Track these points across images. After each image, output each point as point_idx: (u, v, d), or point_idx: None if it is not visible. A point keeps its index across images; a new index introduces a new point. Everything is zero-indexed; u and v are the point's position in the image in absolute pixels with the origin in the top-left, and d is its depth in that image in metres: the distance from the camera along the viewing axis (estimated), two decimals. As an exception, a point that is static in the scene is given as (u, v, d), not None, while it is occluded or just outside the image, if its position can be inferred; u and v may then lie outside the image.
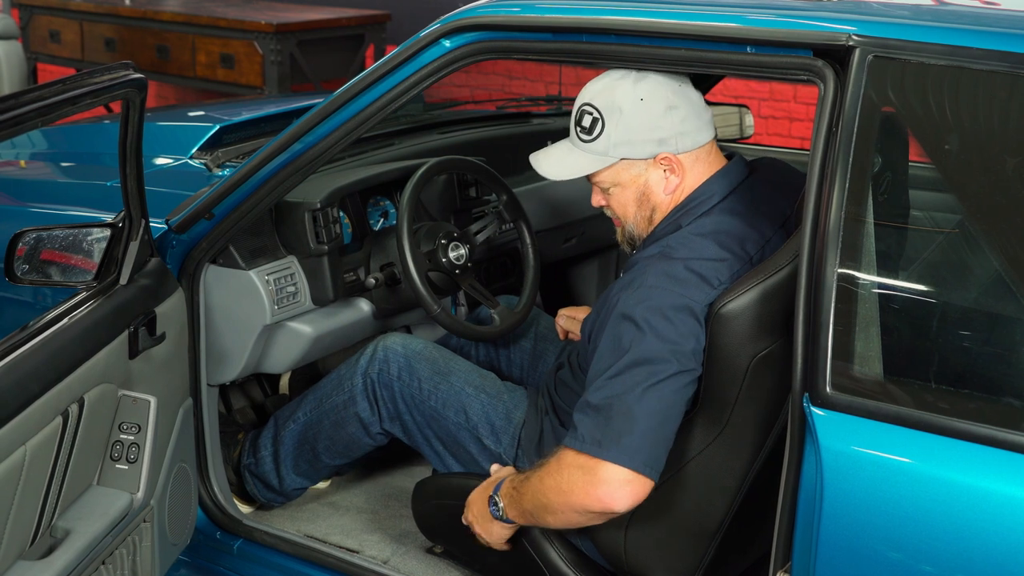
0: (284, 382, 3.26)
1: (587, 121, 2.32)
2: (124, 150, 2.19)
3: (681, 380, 2.17)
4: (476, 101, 4.48)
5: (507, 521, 2.41)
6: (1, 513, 1.93)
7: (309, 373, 3.20)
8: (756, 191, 2.38)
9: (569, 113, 3.99)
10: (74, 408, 2.13)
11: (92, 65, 6.74)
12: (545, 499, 2.26)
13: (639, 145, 2.30)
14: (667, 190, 2.33)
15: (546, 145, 3.60)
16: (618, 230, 2.46)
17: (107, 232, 2.36)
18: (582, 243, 3.70)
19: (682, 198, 2.34)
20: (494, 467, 2.58)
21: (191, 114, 3.93)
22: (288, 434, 2.89)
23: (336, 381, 2.83)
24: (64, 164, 3.72)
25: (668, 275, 2.20)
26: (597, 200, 2.42)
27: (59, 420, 2.08)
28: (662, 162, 2.31)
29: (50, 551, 2.13)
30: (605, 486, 2.14)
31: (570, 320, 2.87)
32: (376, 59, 6.49)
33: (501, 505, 2.40)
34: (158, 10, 6.46)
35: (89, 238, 2.39)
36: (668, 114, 2.28)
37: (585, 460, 2.16)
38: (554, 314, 3.01)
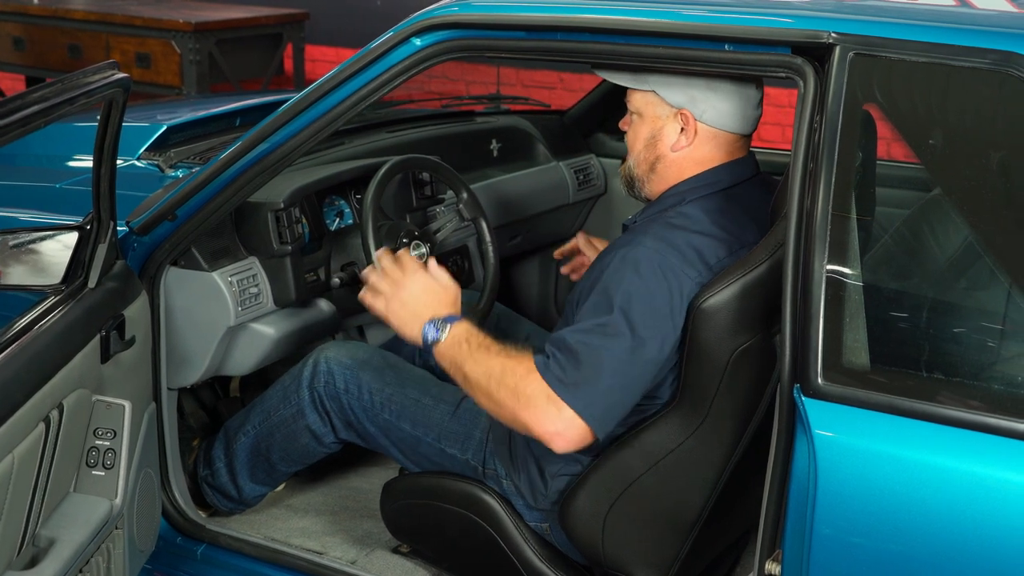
0: (235, 385, 3.22)
1: None
2: (101, 151, 2.15)
3: (648, 362, 2.23)
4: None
5: (428, 345, 2.39)
6: (-9, 523, 1.90)
7: (260, 375, 3.16)
8: (761, 190, 2.44)
9: (509, 112, 4.05)
10: (55, 414, 2.08)
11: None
12: (492, 390, 2.28)
13: (673, 89, 2.34)
14: (675, 147, 2.37)
15: (491, 143, 3.67)
16: (623, 164, 2.49)
17: (74, 234, 2.31)
18: (526, 241, 3.71)
19: (687, 173, 2.38)
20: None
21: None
22: (240, 447, 2.85)
23: (281, 394, 2.78)
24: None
25: (668, 242, 2.27)
26: (623, 123, 2.47)
27: (42, 427, 2.03)
28: (681, 118, 2.35)
29: (33, 561, 2.08)
30: (553, 425, 2.22)
31: (588, 245, 2.89)
32: (295, 58, 6.44)
33: (442, 337, 2.37)
34: (69, 8, 6.32)
35: (55, 241, 2.34)
36: (713, 84, 2.32)
37: (548, 391, 2.22)
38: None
